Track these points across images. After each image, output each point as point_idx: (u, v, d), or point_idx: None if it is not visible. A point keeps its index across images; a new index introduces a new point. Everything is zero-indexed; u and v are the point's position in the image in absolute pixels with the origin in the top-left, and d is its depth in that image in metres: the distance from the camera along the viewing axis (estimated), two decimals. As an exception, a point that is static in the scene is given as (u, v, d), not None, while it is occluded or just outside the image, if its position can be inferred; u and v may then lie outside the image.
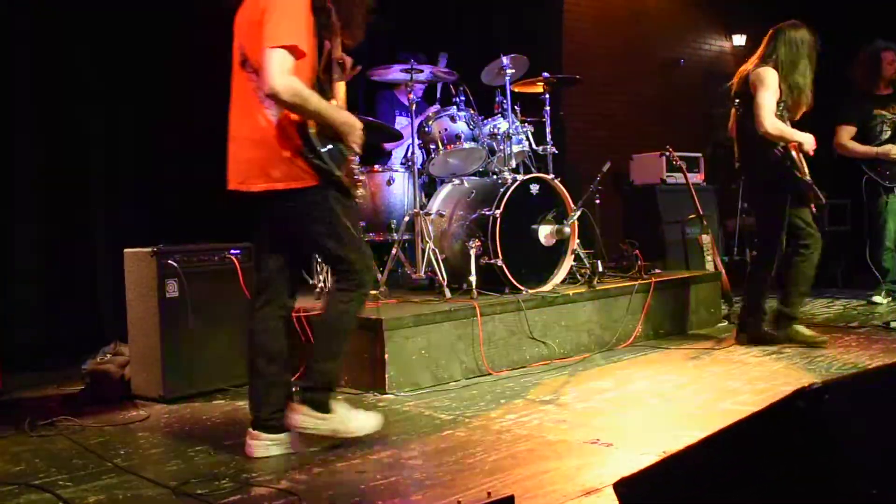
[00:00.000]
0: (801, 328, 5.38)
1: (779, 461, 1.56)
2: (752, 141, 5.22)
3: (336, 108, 3.44)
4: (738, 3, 9.99)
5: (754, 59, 5.37)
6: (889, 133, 6.81)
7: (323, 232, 3.41)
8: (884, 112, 6.85)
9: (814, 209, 5.24)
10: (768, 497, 1.57)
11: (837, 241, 8.74)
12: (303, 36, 3.24)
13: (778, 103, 5.15)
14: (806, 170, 5.16)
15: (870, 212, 6.98)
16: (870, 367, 4.65)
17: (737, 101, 5.37)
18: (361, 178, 3.73)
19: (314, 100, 3.25)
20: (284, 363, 3.58)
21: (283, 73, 3.14)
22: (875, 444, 1.47)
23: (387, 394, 4.43)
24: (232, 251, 4.75)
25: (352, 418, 3.53)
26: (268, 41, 3.16)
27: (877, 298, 7.03)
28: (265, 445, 3.44)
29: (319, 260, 5.54)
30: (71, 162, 5.77)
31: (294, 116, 3.29)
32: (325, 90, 3.45)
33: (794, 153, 5.12)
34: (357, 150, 3.50)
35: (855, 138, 6.91)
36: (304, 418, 3.41)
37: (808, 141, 5.16)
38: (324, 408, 3.44)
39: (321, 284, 5.44)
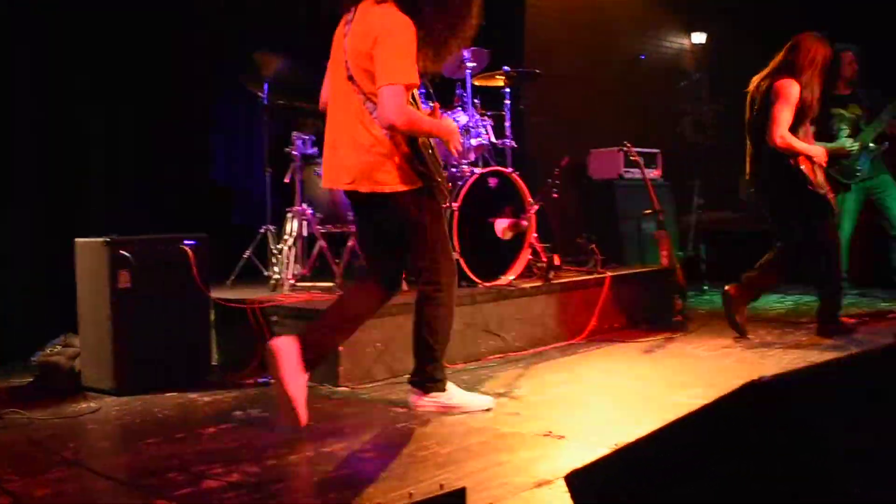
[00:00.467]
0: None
1: (728, 453, 1.56)
2: (768, 152, 5.34)
3: (436, 120, 3.84)
4: (699, 2, 10.06)
5: (771, 67, 5.42)
6: (847, 132, 6.89)
7: (416, 232, 3.71)
8: (842, 111, 6.93)
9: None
10: (718, 488, 1.58)
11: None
12: (415, 70, 3.53)
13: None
14: (821, 180, 5.28)
15: None
16: (819, 361, 4.71)
17: (755, 109, 5.41)
18: (448, 184, 4.01)
19: (425, 122, 3.67)
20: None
21: (399, 108, 3.45)
22: (822, 438, 1.48)
23: (341, 386, 4.41)
24: (186, 242, 4.68)
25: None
26: (386, 78, 3.45)
27: None
28: None
29: (274, 252, 5.51)
30: (70, 161, 5.64)
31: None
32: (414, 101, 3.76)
33: (802, 166, 5.25)
34: (457, 152, 3.94)
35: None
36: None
37: (816, 153, 5.32)
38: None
39: (276, 276, 5.40)
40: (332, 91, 3.83)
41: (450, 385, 3.84)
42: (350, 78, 3.64)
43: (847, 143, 6.71)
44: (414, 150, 3.60)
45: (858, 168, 6.75)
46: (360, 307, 3.88)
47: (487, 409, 3.84)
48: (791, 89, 5.21)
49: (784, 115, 5.19)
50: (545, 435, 3.44)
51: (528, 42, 8.40)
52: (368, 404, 4.09)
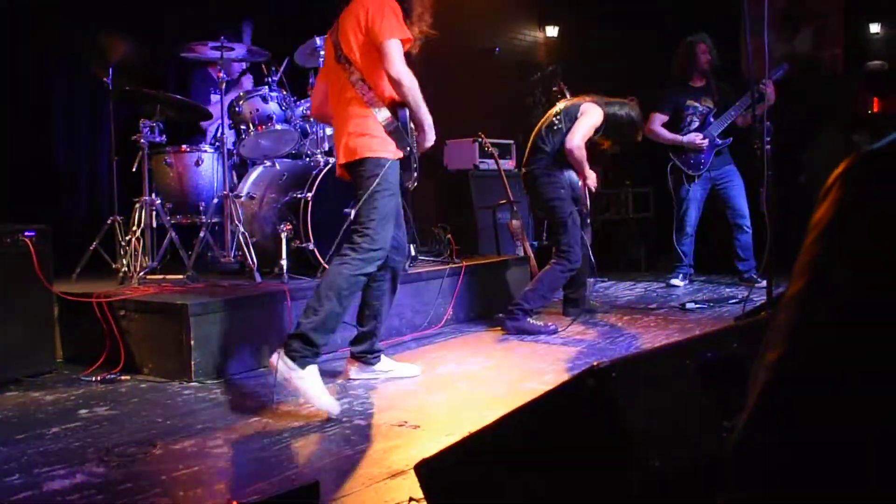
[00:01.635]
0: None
1: (570, 437, 1.60)
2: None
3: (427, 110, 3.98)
4: (551, -4, 10.27)
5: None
6: (697, 123, 7.16)
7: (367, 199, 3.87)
8: (696, 103, 7.19)
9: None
10: (561, 471, 1.61)
11: (641, 226, 9.16)
12: (405, 33, 3.86)
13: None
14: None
15: (674, 197, 7.33)
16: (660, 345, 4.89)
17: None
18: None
19: (419, 92, 3.87)
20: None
21: (402, 61, 3.78)
22: (657, 419, 1.53)
23: (193, 381, 4.30)
24: (27, 233, 4.46)
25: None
26: (385, 34, 3.76)
27: (675, 281, 7.40)
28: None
29: (122, 243, 5.32)
30: None
31: (387, 96, 3.89)
32: None
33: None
34: (420, 148, 4.07)
35: (666, 126, 7.22)
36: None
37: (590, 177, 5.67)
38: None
39: (124, 269, 5.22)
40: (331, 92, 4.10)
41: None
42: (342, 60, 3.93)
43: (698, 138, 7.01)
44: (395, 115, 3.87)
45: (703, 160, 7.03)
46: None
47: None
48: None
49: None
50: (400, 425, 3.46)
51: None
52: (221, 398, 4.00)
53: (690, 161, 7.16)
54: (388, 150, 3.87)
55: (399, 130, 3.86)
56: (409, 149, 3.90)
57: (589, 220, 5.92)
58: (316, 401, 3.63)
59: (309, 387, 3.63)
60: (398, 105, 3.89)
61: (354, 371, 4.30)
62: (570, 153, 5.46)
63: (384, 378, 4.27)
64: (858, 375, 0.82)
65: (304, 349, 3.63)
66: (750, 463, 0.88)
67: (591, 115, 5.53)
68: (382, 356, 4.35)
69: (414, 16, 4.01)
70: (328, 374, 4.35)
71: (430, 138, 4.05)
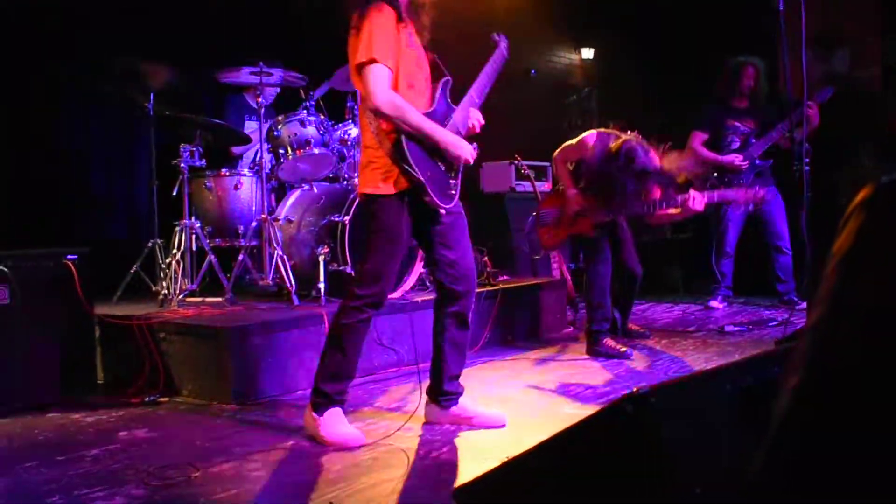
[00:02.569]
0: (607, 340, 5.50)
1: (610, 462, 1.59)
2: None
3: (440, 129, 3.56)
4: (587, 19, 10.26)
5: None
6: (739, 143, 7.11)
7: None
8: (737, 123, 7.14)
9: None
10: (601, 497, 1.60)
11: (679, 248, 9.10)
12: (389, 46, 3.40)
13: None
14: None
15: (713, 218, 7.27)
16: (701, 370, 4.84)
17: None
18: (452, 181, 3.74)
19: (415, 115, 3.43)
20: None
21: (382, 88, 3.35)
22: (697, 445, 1.52)
23: (231, 403, 4.33)
24: (69, 256, 4.54)
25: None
26: (359, 57, 3.37)
27: (713, 303, 7.34)
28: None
29: (163, 266, 5.39)
30: None
31: (382, 124, 3.47)
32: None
33: None
34: (453, 165, 3.67)
35: (706, 145, 7.17)
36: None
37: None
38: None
39: (164, 291, 5.28)
40: None
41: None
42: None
43: (738, 160, 6.96)
44: (397, 147, 3.44)
45: (743, 180, 6.97)
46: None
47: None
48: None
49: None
50: (436, 450, 3.44)
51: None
52: (259, 421, 4.02)
53: (730, 181, 7.10)
54: (387, 187, 3.49)
55: (398, 162, 3.44)
56: (415, 180, 3.43)
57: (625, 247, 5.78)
58: (336, 437, 3.52)
59: (327, 429, 3.55)
60: (399, 132, 3.45)
61: (431, 413, 3.91)
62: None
63: (464, 426, 3.83)
64: (876, 403, 0.81)
65: (320, 400, 3.61)
66: (770, 488, 0.87)
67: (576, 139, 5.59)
68: (463, 399, 3.91)
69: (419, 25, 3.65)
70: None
71: (461, 154, 3.61)
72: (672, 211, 5.40)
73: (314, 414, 3.60)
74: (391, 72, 3.41)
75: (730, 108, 7.17)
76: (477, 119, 3.88)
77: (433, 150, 3.54)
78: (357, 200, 5.22)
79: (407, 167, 3.41)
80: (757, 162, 7.03)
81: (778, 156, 7.05)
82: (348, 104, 6.04)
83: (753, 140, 7.05)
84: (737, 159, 7.00)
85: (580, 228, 5.55)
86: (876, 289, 0.84)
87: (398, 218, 3.53)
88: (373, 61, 3.34)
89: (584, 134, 5.54)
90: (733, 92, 7.16)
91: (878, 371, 0.82)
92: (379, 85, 3.35)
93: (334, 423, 3.57)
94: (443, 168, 3.61)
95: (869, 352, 0.83)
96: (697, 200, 5.29)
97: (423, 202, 3.53)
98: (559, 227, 5.69)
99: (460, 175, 3.74)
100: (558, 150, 5.64)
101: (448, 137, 3.58)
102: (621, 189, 5.10)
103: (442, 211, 3.63)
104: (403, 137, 3.42)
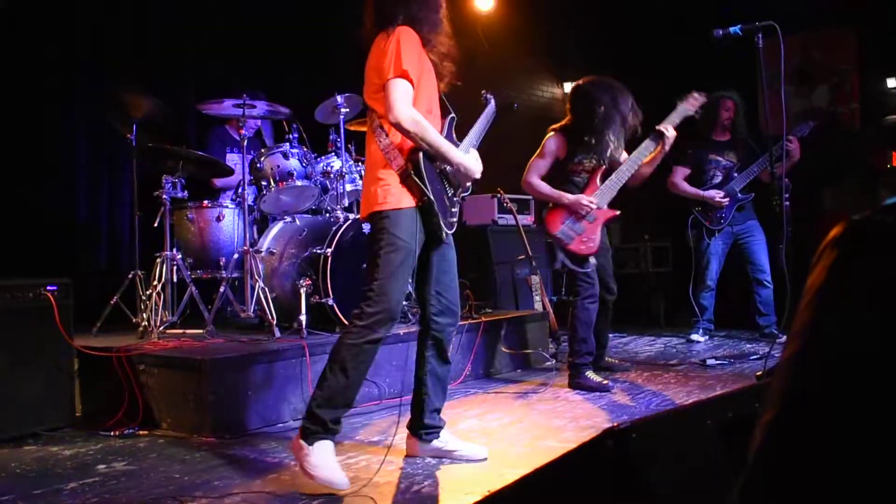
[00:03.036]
0: (590, 373, 5.47)
1: (590, 498, 1.59)
2: None
3: (456, 149, 3.68)
4: (569, 53, 10.36)
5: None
6: (721, 177, 7.16)
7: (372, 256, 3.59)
8: (719, 157, 7.19)
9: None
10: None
11: (660, 281, 9.14)
12: (416, 66, 3.47)
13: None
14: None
15: (695, 251, 7.29)
16: (682, 404, 4.85)
17: None
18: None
19: (434, 132, 3.52)
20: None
21: (405, 103, 3.40)
22: (677, 480, 1.52)
23: (211, 437, 4.29)
24: (49, 287, 4.51)
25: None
26: (387, 72, 3.41)
27: (695, 336, 7.36)
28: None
29: (143, 298, 5.36)
30: None
31: (396, 142, 3.52)
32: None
33: None
34: (460, 187, 3.79)
35: (688, 179, 7.21)
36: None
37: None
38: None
39: (145, 323, 5.25)
40: None
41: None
42: (366, 108, 3.67)
43: (718, 195, 7.00)
44: (414, 164, 3.48)
45: (724, 214, 7.02)
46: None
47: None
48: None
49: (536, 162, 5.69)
50: (417, 484, 3.43)
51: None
52: (239, 455, 3.99)
53: (711, 215, 7.14)
54: (396, 201, 3.49)
55: (411, 178, 3.47)
56: (426, 198, 3.47)
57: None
58: (321, 477, 3.36)
59: (314, 464, 3.37)
60: (416, 149, 3.51)
61: (413, 446, 3.88)
62: None
63: (446, 459, 3.80)
64: (847, 438, 0.82)
65: (313, 427, 3.43)
66: None
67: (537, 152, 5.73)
68: (444, 432, 3.87)
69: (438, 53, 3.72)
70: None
71: (470, 173, 3.73)
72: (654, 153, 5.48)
73: (303, 442, 3.41)
74: (414, 91, 3.48)
75: (710, 143, 7.22)
76: (477, 161, 3.88)
77: (442, 174, 3.64)
78: (340, 231, 5.23)
79: (420, 183, 3.46)
80: (739, 196, 7.08)
81: (759, 189, 7.10)
82: (331, 137, 6.06)
83: (735, 174, 7.10)
84: (717, 195, 7.05)
85: (607, 215, 5.56)
86: (847, 326, 0.85)
87: (412, 232, 3.52)
88: (400, 76, 3.41)
89: (543, 143, 5.65)
90: (713, 126, 7.21)
91: (850, 407, 0.83)
92: (404, 100, 3.41)
93: (323, 459, 3.39)
94: (449, 193, 3.69)
95: (840, 388, 0.84)
96: (664, 126, 5.46)
97: (428, 223, 3.57)
98: (591, 225, 5.54)
99: (460, 204, 3.81)
100: (526, 173, 5.66)
101: (464, 158, 3.69)
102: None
103: (444, 235, 3.64)
104: (420, 154, 3.48)
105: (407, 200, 3.51)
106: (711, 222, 7.16)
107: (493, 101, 4.33)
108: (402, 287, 3.56)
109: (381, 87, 3.46)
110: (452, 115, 3.86)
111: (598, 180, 5.51)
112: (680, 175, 7.20)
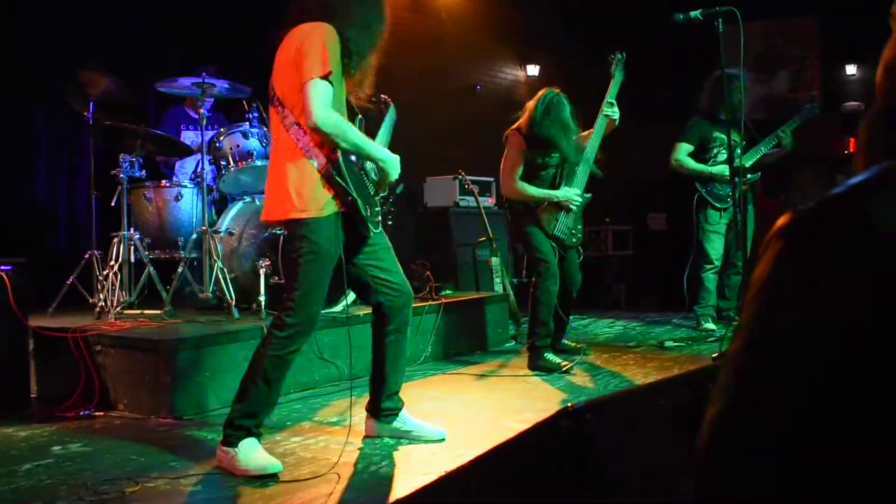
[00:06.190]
0: (549, 355, 5.51)
1: (544, 478, 1.59)
2: None
3: (377, 146, 3.64)
4: (533, 36, 10.36)
5: None
6: (725, 156, 7.03)
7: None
8: (723, 136, 6.98)
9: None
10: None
11: (621, 264, 9.20)
12: (331, 62, 3.34)
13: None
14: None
15: (699, 230, 7.08)
16: (639, 384, 4.89)
17: None
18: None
19: (353, 131, 3.45)
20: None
21: (324, 106, 3.29)
22: (632, 461, 1.53)
23: (168, 418, 4.26)
24: (3, 267, 4.44)
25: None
26: (301, 77, 3.31)
27: (708, 325, 7.04)
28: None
29: (100, 278, 5.29)
30: None
31: (316, 141, 3.38)
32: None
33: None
34: (383, 183, 3.72)
35: (690, 156, 7.09)
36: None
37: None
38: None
39: (101, 303, 5.19)
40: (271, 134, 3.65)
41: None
42: (275, 102, 3.49)
43: (727, 170, 6.90)
44: (335, 168, 3.37)
45: (729, 193, 6.83)
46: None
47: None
48: None
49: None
50: (374, 464, 3.43)
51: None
52: (197, 436, 3.97)
53: (717, 193, 7.01)
54: (318, 208, 3.38)
55: (334, 179, 3.37)
56: (350, 198, 3.39)
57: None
58: (256, 468, 3.28)
59: (243, 460, 3.30)
60: (336, 148, 3.39)
61: (371, 427, 3.88)
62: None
63: (404, 439, 3.81)
64: (792, 436, 0.82)
65: (235, 433, 3.34)
66: None
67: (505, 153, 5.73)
68: (402, 413, 3.88)
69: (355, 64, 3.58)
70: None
71: (391, 173, 3.63)
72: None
73: (227, 448, 3.34)
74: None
75: (715, 121, 7.07)
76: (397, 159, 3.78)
77: (362, 172, 3.60)
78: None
79: (343, 184, 3.38)
80: (748, 176, 6.95)
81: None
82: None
83: (738, 154, 7.04)
84: (726, 169, 6.95)
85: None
86: (792, 319, 0.85)
87: (330, 238, 3.42)
88: (322, 77, 3.30)
89: (508, 143, 5.68)
90: (719, 103, 6.95)
91: (794, 403, 0.83)
92: (323, 103, 3.30)
93: (251, 454, 3.33)
94: (371, 192, 3.65)
95: (785, 382, 0.83)
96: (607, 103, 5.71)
97: (352, 223, 3.51)
98: (575, 216, 5.68)
99: (385, 198, 3.80)
100: (508, 181, 5.62)
101: (385, 154, 3.62)
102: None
103: (370, 234, 3.61)
104: (340, 154, 3.39)
105: (329, 206, 3.41)
106: (716, 200, 7.03)
107: (392, 107, 4.27)
108: (321, 296, 3.48)
109: (300, 84, 3.33)
110: (360, 116, 3.83)
111: (566, 173, 5.59)
112: (684, 152, 7.07)
